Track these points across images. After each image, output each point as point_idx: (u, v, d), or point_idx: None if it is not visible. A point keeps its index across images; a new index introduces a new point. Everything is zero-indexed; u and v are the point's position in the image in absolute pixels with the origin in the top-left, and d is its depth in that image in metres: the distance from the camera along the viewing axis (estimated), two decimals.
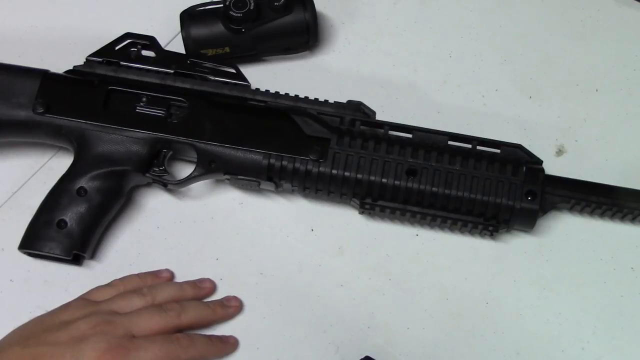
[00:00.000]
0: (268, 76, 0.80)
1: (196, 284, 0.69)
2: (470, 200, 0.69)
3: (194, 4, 0.79)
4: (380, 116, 0.74)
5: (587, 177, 0.73)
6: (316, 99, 0.73)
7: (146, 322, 0.64)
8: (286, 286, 0.71)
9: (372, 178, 0.69)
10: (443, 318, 0.70)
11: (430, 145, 0.71)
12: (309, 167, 0.70)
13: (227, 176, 0.71)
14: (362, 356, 0.65)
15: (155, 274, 0.70)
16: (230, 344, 0.67)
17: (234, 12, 0.76)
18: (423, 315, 0.70)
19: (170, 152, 0.72)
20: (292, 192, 0.74)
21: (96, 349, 0.60)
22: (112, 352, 0.60)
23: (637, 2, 0.86)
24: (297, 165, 0.70)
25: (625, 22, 0.86)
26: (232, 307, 0.69)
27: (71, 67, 0.73)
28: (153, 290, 0.67)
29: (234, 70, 0.74)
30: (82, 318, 0.62)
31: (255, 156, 0.70)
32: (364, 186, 0.70)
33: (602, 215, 0.73)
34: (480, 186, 0.69)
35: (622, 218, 0.73)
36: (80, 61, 0.74)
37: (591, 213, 0.73)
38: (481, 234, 0.72)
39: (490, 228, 0.70)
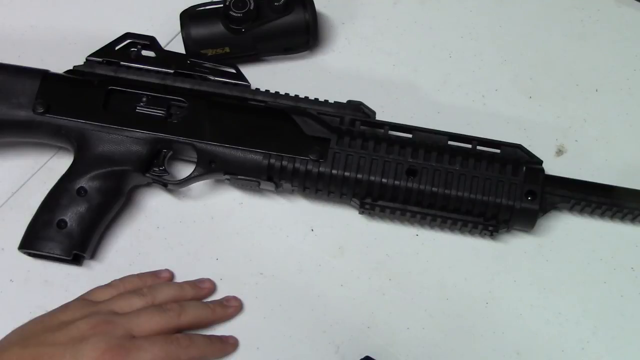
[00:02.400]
0: (268, 76, 0.80)
1: (196, 284, 0.69)
2: (470, 200, 0.69)
3: (194, 4, 0.79)
4: (380, 116, 0.74)
5: (587, 177, 0.73)
6: (316, 99, 0.73)
7: (146, 322, 0.64)
8: (286, 286, 0.71)
9: (372, 178, 0.69)
10: (443, 318, 0.70)
11: (430, 145, 0.71)
12: (309, 167, 0.70)
13: (227, 176, 0.71)
14: (362, 356, 0.65)
15: (155, 274, 0.70)
16: (230, 344, 0.67)
17: (234, 12, 0.76)
18: (423, 315, 0.70)
19: (170, 152, 0.72)
20: (292, 192, 0.74)
21: (96, 349, 0.60)
22: (111, 352, 0.60)
23: (637, 2, 0.86)
24: (297, 165, 0.70)
25: (625, 22, 0.86)
26: (231, 307, 0.69)
27: (71, 67, 0.73)
28: (153, 291, 0.67)
29: (234, 70, 0.74)
30: (81, 318, 0.62)
31: (255, 156, 0.70)
32: (364, 186, 0.70)
33: (602, 215, 0.73)
34: (480, 186, 0.69)
35: (622, 218, 0.73)
36: (80, 61, 0.74)
37: (591, 213, 0.73)
38: (481, 234, 0.72)
39: (490, 228, 0.70)
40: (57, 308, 0.65)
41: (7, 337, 0.62)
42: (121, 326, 0.62)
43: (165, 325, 0.64)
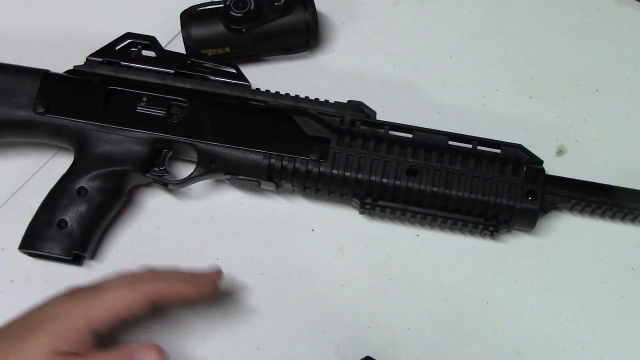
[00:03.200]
0: (268, 76, 0.80)
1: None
2: (470, 200, 0.69)
3: (194, 4, 0.79)
4: (380, 116, 0.74)
5: (587, 177, 0.73)
6: (316, 99, 0.73)
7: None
8: (286, 286, 0.71)
9: (373, 178, 0.69)
10: (443, 318, 0.70)
11: (430, 145, 0.71)
12: (310, 167, 0.70)
13: (227, 176, 0.71)
14: (362, 356, 0.65)
15: None
16: (209, 280, 0.63)
17: (234, 12, 0.76)
18: (423, 315, 0.70)
19: (171, 152, 0.72)
20: (292, 192, 0.74)
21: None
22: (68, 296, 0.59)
23: (637, 2, 0.86)
24: (298, 165, 0.70)
25: (625, 22, 0.86)
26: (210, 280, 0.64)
27: (71, 67, 0.73)
28: None
29: (234, 70, 0.74)
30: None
31: (256, 156, 0.70)
32: (364, 186, 0.70)
33: (602, 215, 0.73)
34: (480, 186, 0.69)
35: (622, 218, 0.73)
36: (81, 61, 0.74)
37: (591, 213, 0.73)
38: (481, 234, 0.72)
39: (491, 228, 0.70)
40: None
41: None
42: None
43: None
